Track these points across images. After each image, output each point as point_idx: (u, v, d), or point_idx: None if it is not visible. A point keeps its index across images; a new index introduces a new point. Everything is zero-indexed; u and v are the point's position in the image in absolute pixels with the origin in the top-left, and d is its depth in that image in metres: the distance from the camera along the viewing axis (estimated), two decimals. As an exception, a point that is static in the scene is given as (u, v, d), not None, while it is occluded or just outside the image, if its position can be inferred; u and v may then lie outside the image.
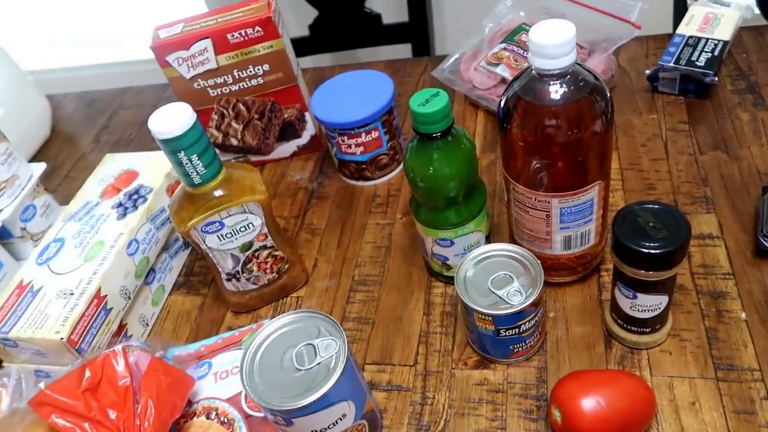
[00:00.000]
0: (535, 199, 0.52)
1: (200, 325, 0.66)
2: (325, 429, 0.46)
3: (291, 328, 0.48)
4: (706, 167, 0.66)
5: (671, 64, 0.73)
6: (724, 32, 0.75)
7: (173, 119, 0.51)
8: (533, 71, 0.47)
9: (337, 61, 1.52)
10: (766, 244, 0.56)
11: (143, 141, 0.93)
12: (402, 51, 1.39)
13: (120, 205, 0.67)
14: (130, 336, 0.63)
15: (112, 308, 0.60)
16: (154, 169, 0.70)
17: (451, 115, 0.52)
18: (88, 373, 0.51)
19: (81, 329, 0.57)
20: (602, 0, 0.74)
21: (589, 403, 0.46)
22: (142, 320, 0.65)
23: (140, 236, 0.64)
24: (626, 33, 0.73)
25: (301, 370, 0.45)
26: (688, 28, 0.77)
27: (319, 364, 0.45)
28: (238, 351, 0.60)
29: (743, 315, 0.54)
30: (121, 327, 0.62)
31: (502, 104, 0.50)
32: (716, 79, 0.71)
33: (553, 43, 0.44)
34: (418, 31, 1.38)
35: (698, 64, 0.72)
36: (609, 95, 0.48)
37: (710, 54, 0.73)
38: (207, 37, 0.70)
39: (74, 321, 0.56)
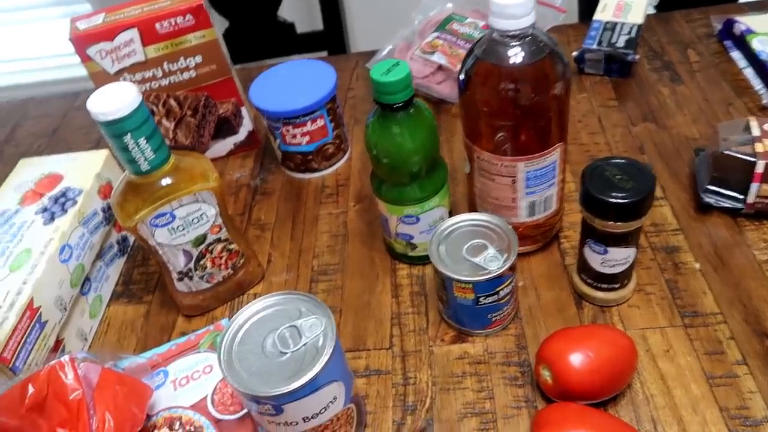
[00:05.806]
0: (501, 165, 0.52)
1: (148, 333, 0.60)
2: (316, 414, 0.43)
3: (269, 312, 0.44)
4: (641, 137, 0.70)
5: (595, 46, 0.77)
6: (637, 16, 0.80)
7: (117, 99, 0.46)
8: (494, 34, 0.48)
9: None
10: (706, 199, 0.60)
11: (56, 150, 0.85)
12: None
13: (45, 210, 0.60)
14: (69, 352, 0.57)
15: (47, 321, 0.53)
16: (80, 170, 0.64)
17: (412, 86, 0.51)
18: (31, 389, 0.45)
19: (14, 345, 0.50)
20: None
21: (578, 358, 0.46)
22: (80, 335, 0.59)
23: (73, 241, 0.58)
24: (552, 18, 0.77)
25: (286, 353, 0.42)
26: (603, 14, 0.82)
27: (305, 345, 0.42)
28: (196, 355, 0.55)
29: (697, 265, 0.56)
30: (58, 343, 0.56)
31: (463, 72, 0.50)
32: (637, 57, 0.76)
33: (516, 2, 0.45)
34: (334, 38, 1.37)
35: (618, 45, 0.77)
36: (566, 58, 0.49)
37: (628, 36, 0.78)
38: (133, 27, 0.65)
39: (5, 336, 0.49)
